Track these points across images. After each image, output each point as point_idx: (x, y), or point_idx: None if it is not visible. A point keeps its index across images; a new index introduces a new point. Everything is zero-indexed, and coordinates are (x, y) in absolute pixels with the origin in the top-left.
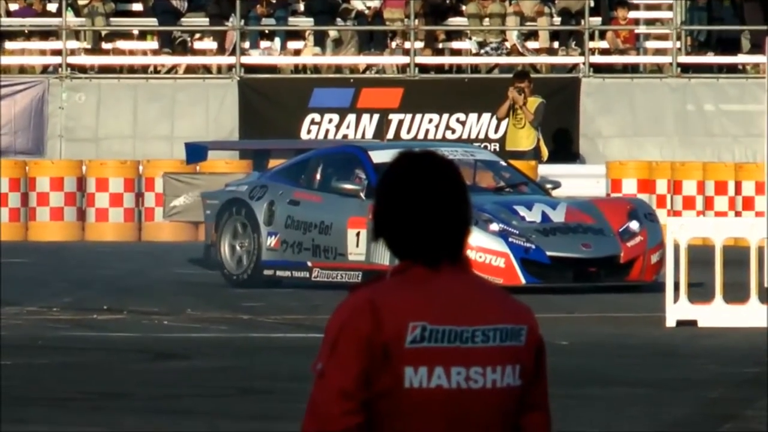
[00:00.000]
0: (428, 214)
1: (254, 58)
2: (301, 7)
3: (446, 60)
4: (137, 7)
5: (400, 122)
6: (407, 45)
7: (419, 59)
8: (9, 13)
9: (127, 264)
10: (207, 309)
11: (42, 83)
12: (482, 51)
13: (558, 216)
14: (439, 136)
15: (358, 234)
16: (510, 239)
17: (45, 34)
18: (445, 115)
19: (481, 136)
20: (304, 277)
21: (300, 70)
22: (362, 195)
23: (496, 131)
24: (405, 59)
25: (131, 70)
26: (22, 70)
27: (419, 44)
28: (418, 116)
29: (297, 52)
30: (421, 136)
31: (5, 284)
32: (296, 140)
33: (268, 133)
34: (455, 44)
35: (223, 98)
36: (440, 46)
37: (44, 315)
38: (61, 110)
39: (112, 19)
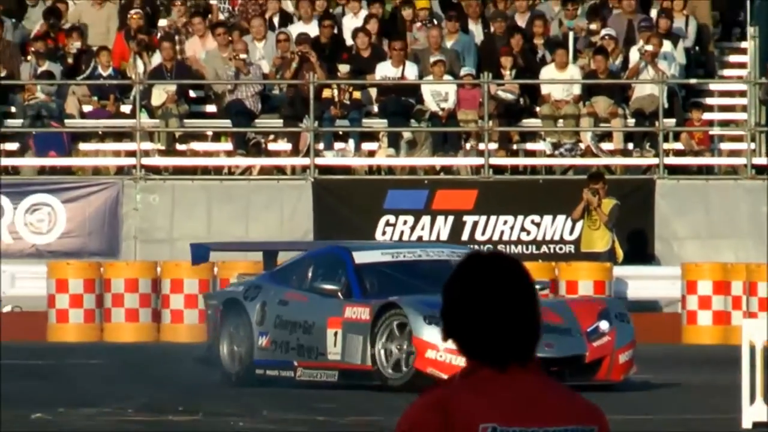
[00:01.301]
0: (497, 317)
1: (328, 159)
2: (375, 108)
3: (520, 161)
4: (211, 108)
5: (475, 224)
6: (481, 146)
7: (493, 160)
8: (83, 115)
9: (202, 365)
10: (283, 410)
11: (116, 184)
12: (556, 152)
13: None
14: (514, 237)
15: (335, 333)
16: None
17: (119, 136)
18: (520, 217)
19: (556, 237)
20: (289, 377)
21: (374, 171)
22: (340, 295)
23: (571, 233)
24: (479, 160)
25: (205, 171)
26: (97, 171)
27: (493, 145)
28: (493, 218)
29: (371, 153)
30: (495, 237)
31: (81, 385)
32: (299, 242)
33: (342, 235)
34: (529, 145)
35: (298, 199)
36: (514, 147)
37: (120, 416)
38: (135, 211)
39: (186, 120)
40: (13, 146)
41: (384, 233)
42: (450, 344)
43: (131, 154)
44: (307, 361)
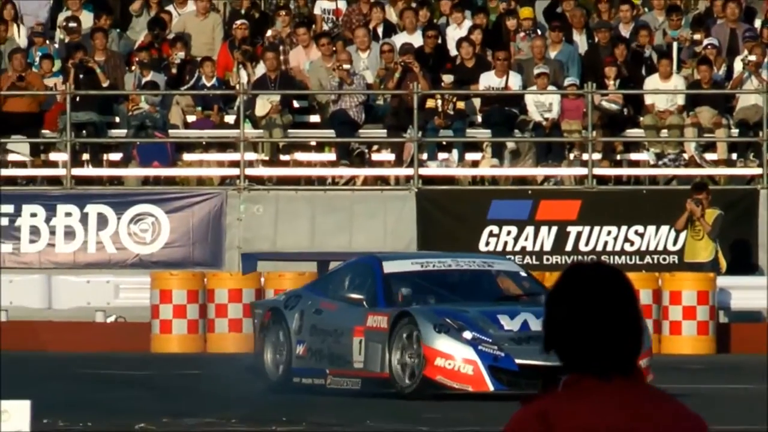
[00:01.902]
0: (599, 327)
1: (432, 169)
2: (479, 118)
3: (624, 171)
4: (315, 118)
5: (579, 234)
6: (585, 156)
7: (597, 170)
8: (187, 125)
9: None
10: (386, 420)
11: (220, 195)
12: (660, 162)
13: (539, 324)
14: (618, 248)
15: (360, 342)
16: (480, 347)
17: (223, 146)
18: (624, 227)
19: (660, 248)
20: (321, 384)
21: (478, 182)
22: (365, 304)
23: (674, 243)
24: (583, 171)
25: (309, 181)
26: (200, 181)
27: (597, 155)
28: (596, 228)
29: (475, 164)
30: (599, 248)
31: (184, 396)
32: (347, 252)
33: (445, 245)
34: (633, 155)
35: (401, 210)
36: (618, 157)
37: (223, 427)
38: (239, 222)
39: (289, 130)
40: (117, 156)
41: (488, 244)
42: (467, 353)
43: (235, 164)
44: (336, 369)
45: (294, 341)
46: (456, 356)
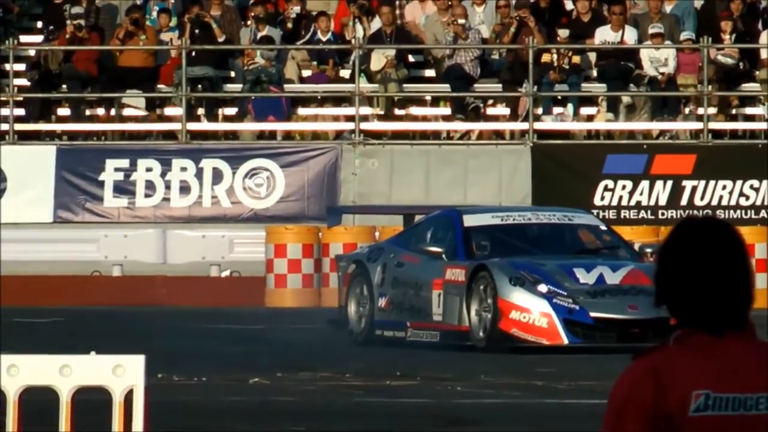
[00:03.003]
0: (711, 282)
1: (547, 123)
2: (594, 73)
3: (739, 125)
4: (430, 73)
5: (694, 188)
6: (700, 111)
7: (712, 125)
8: (302, 79)
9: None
10: (501, 375)
11: (335, 149)
12: None
13: (615, 278)
14: (733, 202)
15: (439, 295)
16: (555, 300)
17: (338, 100)
18: (739, 182)
19: None
20: (401, 337)
21: (593, 136)
22: (444, 257)
23: None
24: (698, 125)
25: (423, 136)
26: (315, 136)
27: (712, 110)
28: (712, 183)
29: (590, 118)
30: (714, 202)
31: (299, 350)
32: (432, 206)
33: (560, 200)
34: (748, 110)
35: (516, 164)
36: (733, 111)
37: (337, 381)
38: (354, 176)
39: (405, 85)
40: (232, 111)
41: (602, 198)
42: (542, 306)
43: (350, 118)
44: (416, 322)
45: (376, 294)
46: (531, 309)
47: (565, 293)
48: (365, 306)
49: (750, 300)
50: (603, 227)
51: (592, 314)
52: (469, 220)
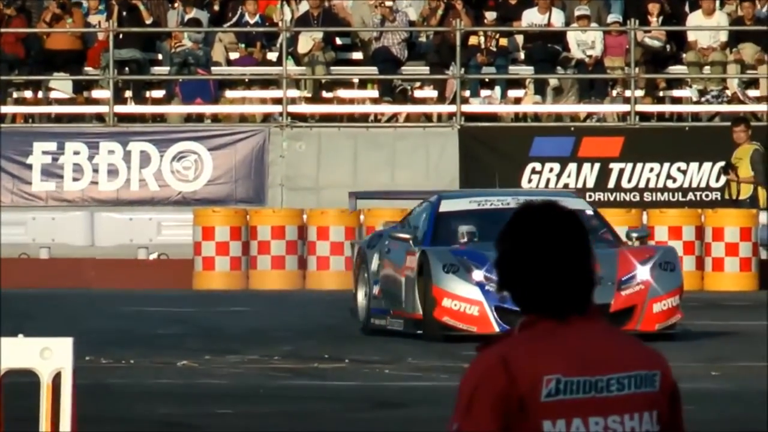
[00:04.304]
0: (553, 267)
1: (475, 106)
2: (522, 55)
3: (667, 108)
4: (357, 55)
5: (621, 171)
6: (627, 93)
7: (640, 107)
8: (230, 62)
9: (347, 312)
10: (428, 358)
11: (262, 132)
12: (703, 99)
13: None
14: (660, 185)
15: (403, 282)
16: (487, 287)
17: (265, 83)
18: (666, 164)
19: (702, 184)
20: (382, 325)
21: (520, 119)
22: (411, 243)
23: (717, 180)
24: (626, 107)
25: (351, 118)
26: (243, 118)
27: (639, 92)
28: (639, 165)
29: (517, 101)
30: (642, 185)
31: (227, 333)
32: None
33: (488, 182)
34: (676, 92)
35: (444, 147)
36: (661, 94)
37: (265, 364)
38: (281, 159)
39: (332, 67)
40: (159, 94)
41: (530, 181)
42: (473, 293)
43: (278, 101)
44: (395, 310)
45: (371, 281)
46: (462, 296)
47: None
48: (366, 294)
49: (592, 284)
50: (589, 212)
51: None
52: (446, 205)
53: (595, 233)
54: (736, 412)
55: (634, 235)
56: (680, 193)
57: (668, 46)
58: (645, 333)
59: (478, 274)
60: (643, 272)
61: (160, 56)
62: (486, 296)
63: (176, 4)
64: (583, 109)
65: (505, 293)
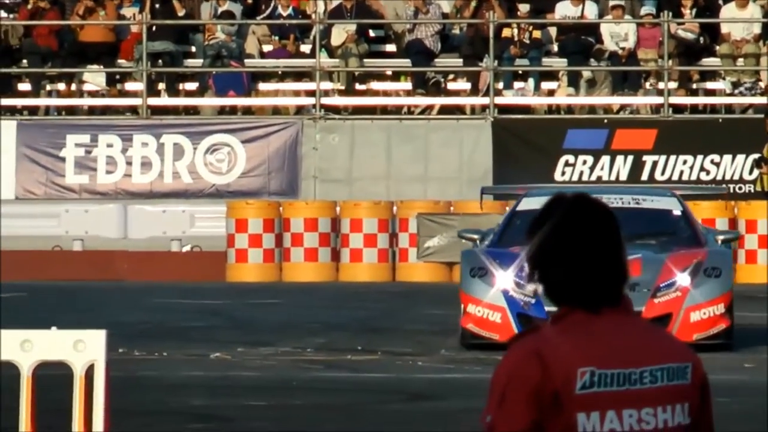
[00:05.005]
0: (586, 259)
1: (508, 98)
2: (555, 47)
3: (700, 100)
4: (391, 47)
5: (654, 163)
6: (661, 85)
7: (673, 99)
8: (263, 54)
9: (381, 304)
10: (461, 350)
11: (296, 124)
12: (736, 91)
13: None
14: (694, 177)
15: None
16: (510, 293)
17: (299, 75)
18: (699, 156)
19: (736, 177)
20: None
21: (553, 111)
22: (477, 243)
23: (750, 172)
24: (659, 100)
25: (384, 110)
26: (276, 111)
27: (673, 84)
28: (672, 157)
29: (551, 93)
30: (675, 177)
31: (260, 325)
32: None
33: (521, 175)
34: (709, 84)
35: (477, 139)
36: (694, 86)
37: (298, 356)
38: (314, 151)
39: (365, 60)
40: (193, 86)
41: (563, 173)
42: (496, 299)
43: (311, 93)
44: None
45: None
46: (485, 303)
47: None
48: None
49: (625, 276)
50: (677, 212)
51: (548, 308)
52: (525, 204)
53: (677, 235)
54: None
55: (721, 237)
56: (713, 186)
57: (701, 39)
58: None
59: (503, 278)
60: (682, 279)
61: (193, 48)
62: (509, 303)
63: None
64: (616, 101)
65: (537, 286)
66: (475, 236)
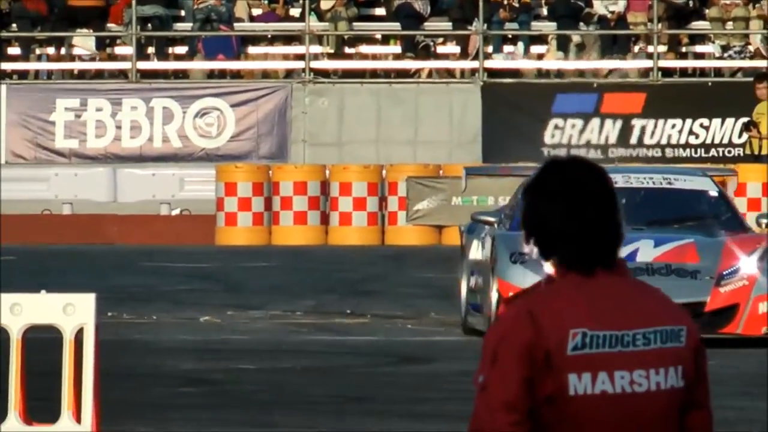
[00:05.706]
0: (580, 220)
1: (497, 62)
2: (545, 11)
3: (689, 63)
4: (380, 11)
5: (643, 127)
6: (650, 49)
7: (662, 63)
8: (252, 18)
9: (370, 268)
10: (450, 312)
11: (285, 88)
12: (725, 54)
13: (650, 255)
14: (683, 141)
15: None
16: None
17: (288, 39)
18: (689, 120)
19: (725, 140)
20: (474, 325)
21: (543, 75)
22: (496, 226)
23: (739, 136)
24: (648, 63)
25: (374, 74)
26: (266, 74)
27: (662, 48)
28: (661, 121)
29: (540, 57)
30: (664, 141)
31: (249, 288)
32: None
33: (510, 139)
34: (698, 48)
35: (466, 102)
36: (683, 49)
37: (287, 319)
38: (304, 115)
39: (354, 23)
40: (182, 50)
41: (553, 137)
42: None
43: (300, 57)
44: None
45: (469, 272)
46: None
47: None
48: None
49: (620, 238)
50: (712, 192)
51: None
52: None
53: (717, 218)
54: None
55: (764, 221)
56: (703, 149)
57: (691, 2)
58: (749, 337)
59: (547, 265)
60: (748, 265)
61: (182, 12)
62: None
63: None
64: (605, 65)
65: (532, 247)
66: (492, 219)
